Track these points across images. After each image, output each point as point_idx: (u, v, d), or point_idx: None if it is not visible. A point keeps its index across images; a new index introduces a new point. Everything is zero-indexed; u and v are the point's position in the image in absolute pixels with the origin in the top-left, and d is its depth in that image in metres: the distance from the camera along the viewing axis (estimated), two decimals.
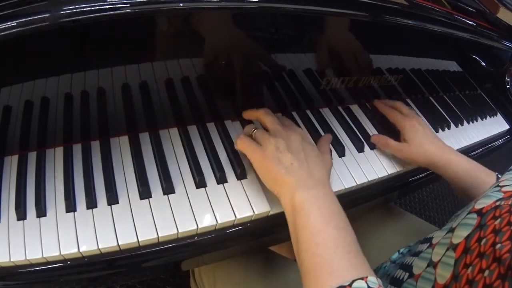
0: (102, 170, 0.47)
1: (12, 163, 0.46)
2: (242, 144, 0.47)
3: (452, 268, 0.35)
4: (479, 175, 0.54)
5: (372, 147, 0.62)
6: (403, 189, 0.67)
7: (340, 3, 0.49)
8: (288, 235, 0.42)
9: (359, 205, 0.57)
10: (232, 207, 0.47)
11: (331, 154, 0.54)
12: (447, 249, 0.37)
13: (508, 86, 0.90)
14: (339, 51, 0.59)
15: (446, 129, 0.74)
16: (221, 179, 0.49)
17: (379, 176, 0.58)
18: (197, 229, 0.45)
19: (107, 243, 0.41)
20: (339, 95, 0.66)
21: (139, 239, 0.42)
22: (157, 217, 0.44)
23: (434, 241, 0.42)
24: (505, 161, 0.45)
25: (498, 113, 0.92)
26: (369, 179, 0.56)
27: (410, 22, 0.56)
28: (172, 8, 0.39)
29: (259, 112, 0.52)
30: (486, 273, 0.31)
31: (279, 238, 0.53)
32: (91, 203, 0.44)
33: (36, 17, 0.34)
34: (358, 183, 0.55)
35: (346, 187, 0.54)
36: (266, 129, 0.49)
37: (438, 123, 0.73)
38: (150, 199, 0.46)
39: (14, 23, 0.33)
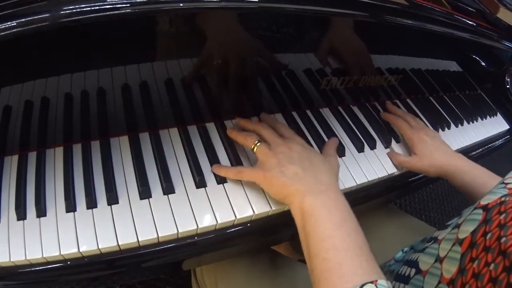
0: (102, 170, 0.47)
1: (12, 163, 0.46)
2: (241, 174, 0.47)
3: (458, 262, 0.35)
4: (487, 180, 0.55)
5: (372, 147, 0.62)
6: (403, 189, 0.67)
7: (340, 3, 0.49)
8: (288, 235, 0.43)
9: (359, 205, 0.57)
10: (232, 207, 0.47)
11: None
12: (453, 244, 0.38)
13: (508, 86, 0.90)
14: (339, 51, 0.59)
15: (446, 129, 0.75)
16: (221, 179, 0.49)
17: (379, 176, 0.58)
18: (197, 229, 0.45)
19: (107, 243, 0.41)
20: (339, 95, 0.66)
21: (139, 239, 0.42)
22: (157, 217, 0.44)
23: (439, 237, 0.42)
24: (505, 161, 0.45)
25: (498, 113, 0.92)
26: (369, 179, 0.56)
27: (410, 22, 0.56)
28: (172, 8, 0.39)
29: (256, 125, 0.51)
30: (492, 266, 0.31)
31: (279, 238, 0.53)
32: (91, 203, 0.44)
33: (36, 17, 0.34)
34: (358, 183, 0.55)
35: (346, 187, 0.54)
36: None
37: (438, 123, 0.73)
38: (150, 199, 0.46)
39: (14, 23, 0.33)
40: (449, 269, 0.36)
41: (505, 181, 0.40)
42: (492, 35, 0.70)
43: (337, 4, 0.48)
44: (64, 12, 0.34)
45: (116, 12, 0.36)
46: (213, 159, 0.51)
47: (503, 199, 0.36)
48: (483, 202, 0.38)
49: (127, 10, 0.37)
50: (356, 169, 0.57)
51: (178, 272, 0.97)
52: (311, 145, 0.56)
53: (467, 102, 0.87)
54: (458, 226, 0.39)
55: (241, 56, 0.51)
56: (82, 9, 0.35)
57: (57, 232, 0.41)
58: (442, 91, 0.84)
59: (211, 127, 0.55)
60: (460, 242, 0.37)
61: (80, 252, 0.40)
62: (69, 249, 0.40)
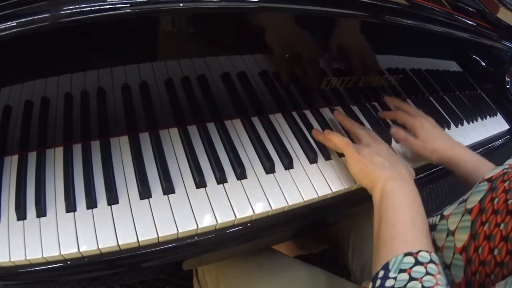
0: (102, 170, 0.47)
1: (12, 163, 0.46)
2: (341, 142, 0.53)
3: (469, 229, 0.39)
4: (488, 169, 0.54)
5: None
6: None
7: (340, 3, 0.49)
8: (288, 235, 0.43)
9: (360, 205, 0.57)
10: (232, 207, 0.47)
11: None
12: (463, 215, 0.41)
13: (508, 86, 0.90)
14: (340, 51, 0.59)
15: (446, 129, 0.75)
16: (221, 179, 0.49)
17: None
18: (197, 229, 0.45)
19: (107, 243, 0.41)
20: (339, 95, 0.66)
21: (139, 239, 0.42)
22: (157, 217, 0.44)
23: (446, 213, 0.47)
24: (505, 161, 0.46)
25: (498, 113, 0.92)
26: None
27: (410, 22, 0.56)
28: (172, 8, 0.39)
29: (354, 126, 0.59)
30: (502, 226, 0.35)
31: (279, 238, 0.53)
32: (91, 203, 0.44)
33: (36, 17, 0.34)
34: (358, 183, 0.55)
35: (346, 187, 0.54)
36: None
37: (438, 123, 0.73)
38: (150, 199, 0.46)
39: (14, 23, 0.33)
40: (461, 238, 0.41)
41: (506, 163, 0.44)
42: (492, 35, 0.70)
43: (337, 4, 0.48)
44: (64, 12, 0.34)
45: (116, 12, 0.36)
46: (213, 159, 0.51)
47: (505, 171, 0.40)
48: (487, 176, 0.42)
49: (127, 10, 0.37)
50: None
51: (178, 272, 0.97)
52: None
53: (467, 102, 0.87)
54: (465, 200, 0.43)
55: (241, 57, 0.51)
56: (82, 9, 0.35)
57: (57, 232, 0.41)
58: (442, 91, 0.84)
59: (211, 127, 0.55)
60: (469, 211, 0.41)
61: (80, 252, 0.40)
62: (69, 249, 0.40)
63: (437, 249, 0.45)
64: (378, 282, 0.37)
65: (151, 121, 0.52)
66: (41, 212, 0.42)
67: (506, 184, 0.37)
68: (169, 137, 0.53)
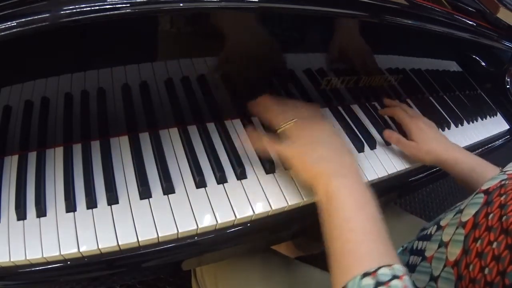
0: (102, 170, 0.47)
1: (12, 163, 0.46)
2: (268, 143, 0.48)
3: (462, 244, 0.37)
4: (485, 170, 0.55)
5: (372, 147, 0.62)
6: (403, 189, 0.67)
7: (340, 3, 0.49)
8: (288, 235, 0.43)
9: None
10: (232, 207, 0.47)
11: None
12: (457, 228, 0.39)
13: (508, 86, 0.90)
14: (340, 51, 0.59)
15: (446, 129, 0.75)
16: (221, 179, 0.49)
17: (379, 176, 0.58)
18: (197, 229, 0.45)
19: (107, 243, 0.41)
20: (339, 95, 0.66)
21: (139, 239, 0.42)
22: (157, 217, 0.44)
23: (442, 223, 0.44)
24: (505, 161, 0.45)
25: (498, 113, 0.92)
26: (369, 179, 0.56)
27: (410, 22, 0.56)
28: (172, 8, 0.39)
29: (283, 102, 0.51)
30: (495, 245, 0.33)
31: (279, 238, 0.53)
32: (91, 203, 0.44)
33: (36, 17, 0.34)
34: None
35: None
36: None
37: (438, 123, 0.73)
38: (150, 199, 0.46)
39: (14, 23, 0.33)
40: (454, 251, 0.38)
41: (505, 170, 0.42)
42: (492, 35, 0.70)
43: (337, 4, 0.48)
44: (64, 12, 0.34)
45: (116, 12, 0.36)
46: (213, 159, 0.51)
47: (503, 182, 0.37)
48: (484, 187, 0.39)
49: (127, 10, 0.37)
50: None
51: (178, 272, 0.98)
52: None
53: (467, 102, 0.87)
54: (460, 211, 0.40)
55: (241, 56, 0.51)
56: (82, 9, 0.35)
57: (57, 232, 0.41)
58: (442, 91, 0.84)
59: (211, 127, 0.55)
60: (463, 224, 0.38)
61: (80, 252, 0.40)
62: (69, 249, 0.40)
63: (424, 258, 0.43)
64: None
65: (151, 121, 0.52)
66: (41, 212, 0.42)
67: (502, 198, 0.35)
68: (169, 137, 0.53)
